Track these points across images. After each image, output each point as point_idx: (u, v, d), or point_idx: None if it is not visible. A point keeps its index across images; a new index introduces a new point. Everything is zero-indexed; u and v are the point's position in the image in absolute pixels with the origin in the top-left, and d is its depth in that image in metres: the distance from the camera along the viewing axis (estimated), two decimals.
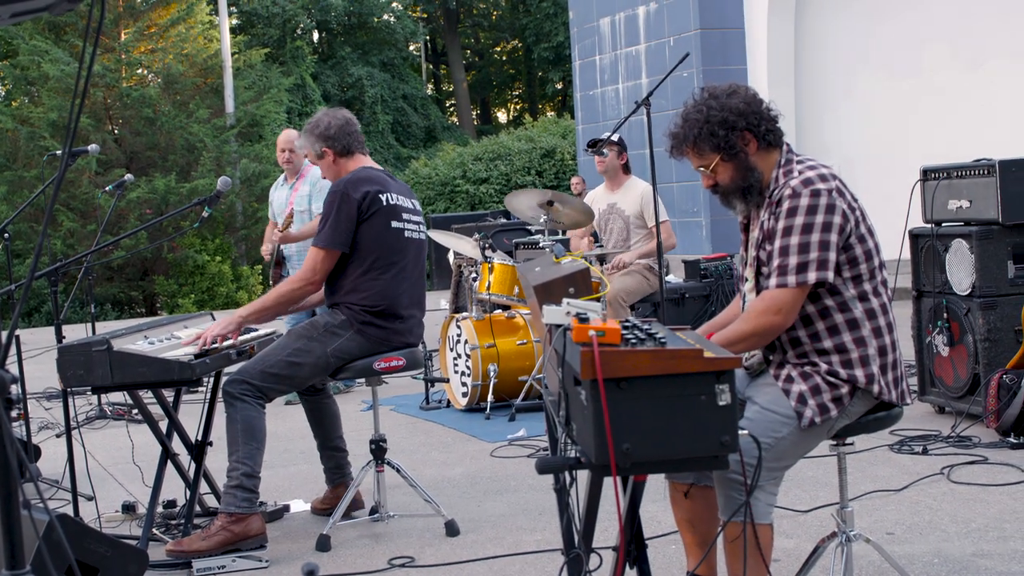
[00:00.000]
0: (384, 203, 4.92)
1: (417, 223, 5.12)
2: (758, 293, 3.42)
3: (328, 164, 5.12)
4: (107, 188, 6.94)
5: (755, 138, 3.42)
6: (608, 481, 2.70)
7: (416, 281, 5.10)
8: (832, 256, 3.28)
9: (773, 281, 3.31)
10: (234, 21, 29.81)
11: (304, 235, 7.78)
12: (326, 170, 5.17)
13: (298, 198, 8.12)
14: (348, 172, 5.06)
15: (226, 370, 4.98)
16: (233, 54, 21.39)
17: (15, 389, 6.16)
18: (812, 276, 3.27)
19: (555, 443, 3.47)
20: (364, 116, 32.49)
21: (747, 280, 3.54)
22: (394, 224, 4.95)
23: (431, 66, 42.17)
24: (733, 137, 3.40)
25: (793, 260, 3.28)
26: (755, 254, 3.45)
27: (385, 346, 4.95)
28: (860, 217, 3.37)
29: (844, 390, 3.34)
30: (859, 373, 3.34)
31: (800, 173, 3.37)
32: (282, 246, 7.89)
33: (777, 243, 3.32)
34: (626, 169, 7.96)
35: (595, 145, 7.58)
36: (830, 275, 3.29)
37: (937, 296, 6.35)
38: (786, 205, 3.31)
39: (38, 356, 10.01)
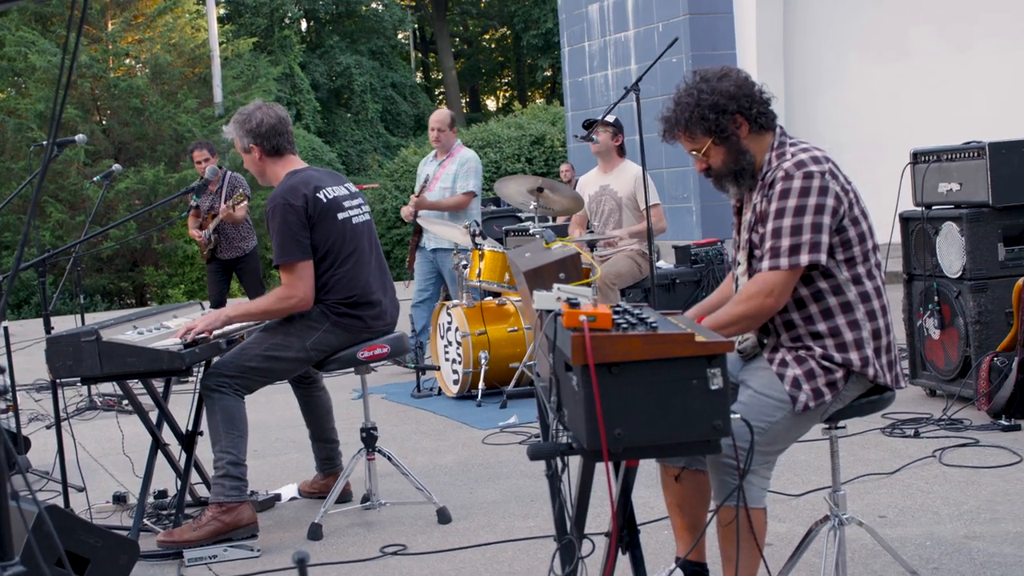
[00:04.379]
0: (324, 200, 4.88)
1: (358, 205, 5.11)
2: (751, 276, 3.41)
3: (254, 160, 5.03)
4: (95, 178, 6.93)
5: (747, 121, 3.40)
6: (600, 467, 2.68)
7: (377, 262, 5.10)
8: (825, 238, 3.27)
9: (766, 263, 3.30)
10: (221, 11, 29.71)
11: (439, 206, 8.37)
12: (251, 165, 5.09)
13: (444, 175, 8.51)
14: (274, 172, 5.01)
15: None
16: (221, 44, 21.34)
17: (3, 380, 6.14)
18: (805, 258, 3.26)
19: (547, 429, 3.45)
20: (353, 105, 32.48)
21: (739, 263, 3.53)
22: (340, 216, 4.93)
23: (420, 54, 42.09)
24: (724, 120, 3.38)
25: (786, 242, 3.26)
26: (748, 237, 3.43)
27: (365, 334, 4.95)
28: (853, 199, 3.36)
29: (839, 374, 3.33)
30: (854, 356, 3.33)
31: (793, 155, 3.35)
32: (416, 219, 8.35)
33: (770, 225, 3.30)
34: (620, 151, 7.96)
35: (590, 127, 7.56)
36: (823, 257, 3.27)
37: (928, 279, 6.34)
38: (779, 187, 3.30)
39: (27, 348, 9.97)
